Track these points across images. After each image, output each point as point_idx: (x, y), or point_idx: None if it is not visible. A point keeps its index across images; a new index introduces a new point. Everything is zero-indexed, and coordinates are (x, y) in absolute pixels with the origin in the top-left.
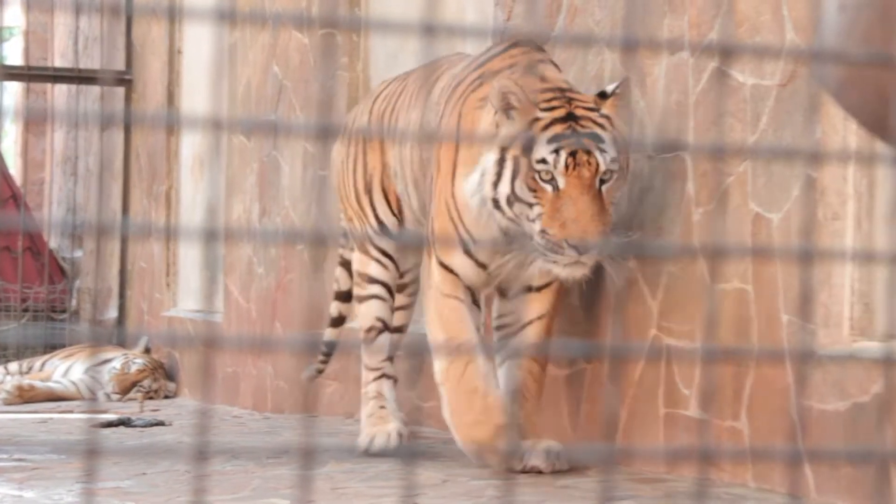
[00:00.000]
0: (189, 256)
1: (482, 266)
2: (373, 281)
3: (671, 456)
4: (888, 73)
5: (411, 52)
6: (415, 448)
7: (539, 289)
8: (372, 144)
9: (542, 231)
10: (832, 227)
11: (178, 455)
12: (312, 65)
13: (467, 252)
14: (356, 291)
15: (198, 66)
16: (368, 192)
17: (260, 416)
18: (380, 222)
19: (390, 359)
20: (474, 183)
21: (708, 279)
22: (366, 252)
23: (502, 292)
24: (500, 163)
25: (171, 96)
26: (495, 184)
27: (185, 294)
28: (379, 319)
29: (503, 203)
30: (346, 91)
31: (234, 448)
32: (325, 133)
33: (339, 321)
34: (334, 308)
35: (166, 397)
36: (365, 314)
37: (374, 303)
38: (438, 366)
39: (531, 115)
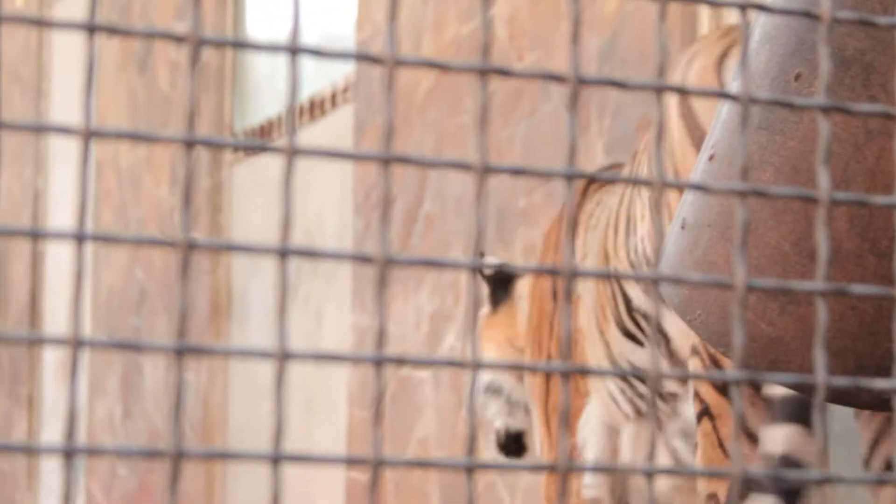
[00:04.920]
0: (52, 458)
1: None
2: None
3: None
4: (728, 292)
5: (271, 261)
6: None
7: None
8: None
9: None
10: None
11: None
12: (175, 269)
13: None
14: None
15: (60, 272)
16: None
17: None
18: None
19: None
20: None
21: None
22: None
23: None
24: None
25: (33, 301)
26: None
27: (47, 495)
28: None
29: None
30: (208, 297)
31: None
32: (183, 348)
33: None
34: None
35: None
36: None
37: None
38: None
39: None
